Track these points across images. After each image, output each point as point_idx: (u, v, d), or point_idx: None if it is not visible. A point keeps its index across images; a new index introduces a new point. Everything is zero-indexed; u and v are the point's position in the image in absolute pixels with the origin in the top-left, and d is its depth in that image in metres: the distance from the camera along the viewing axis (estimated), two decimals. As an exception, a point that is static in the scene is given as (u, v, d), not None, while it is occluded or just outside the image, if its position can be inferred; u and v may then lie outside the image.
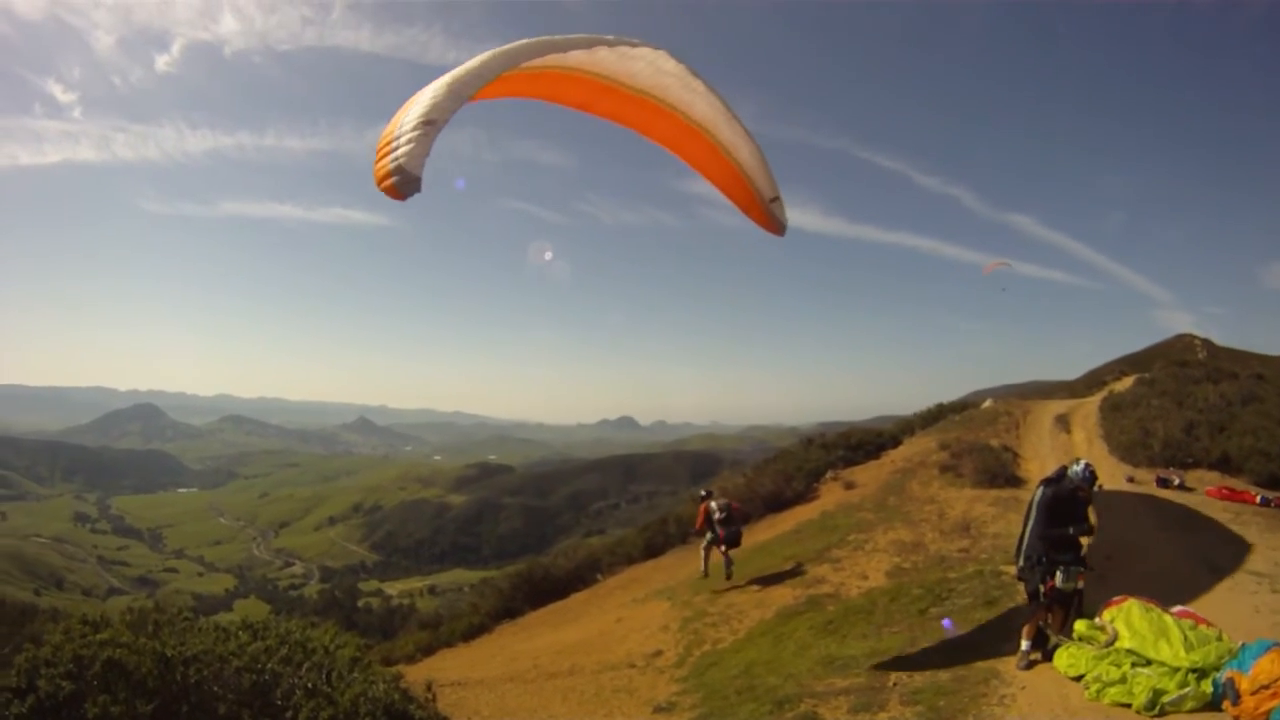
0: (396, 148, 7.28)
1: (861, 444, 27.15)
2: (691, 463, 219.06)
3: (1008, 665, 8.54)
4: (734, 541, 15.86)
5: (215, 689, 6.87)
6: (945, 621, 11.62)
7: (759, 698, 9.10)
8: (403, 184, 7.13)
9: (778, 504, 22.08)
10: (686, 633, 13.19)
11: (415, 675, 11.59)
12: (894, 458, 24.81)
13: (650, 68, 10.07)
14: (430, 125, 7.40)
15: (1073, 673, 7.89)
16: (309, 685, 7.25)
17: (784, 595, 13.79)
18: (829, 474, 24.20)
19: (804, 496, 22.44)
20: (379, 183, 7.27)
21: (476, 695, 11.74)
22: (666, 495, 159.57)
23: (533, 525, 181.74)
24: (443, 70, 8.47)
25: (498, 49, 8.60)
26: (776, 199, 11.58)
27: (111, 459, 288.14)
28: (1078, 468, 8.95)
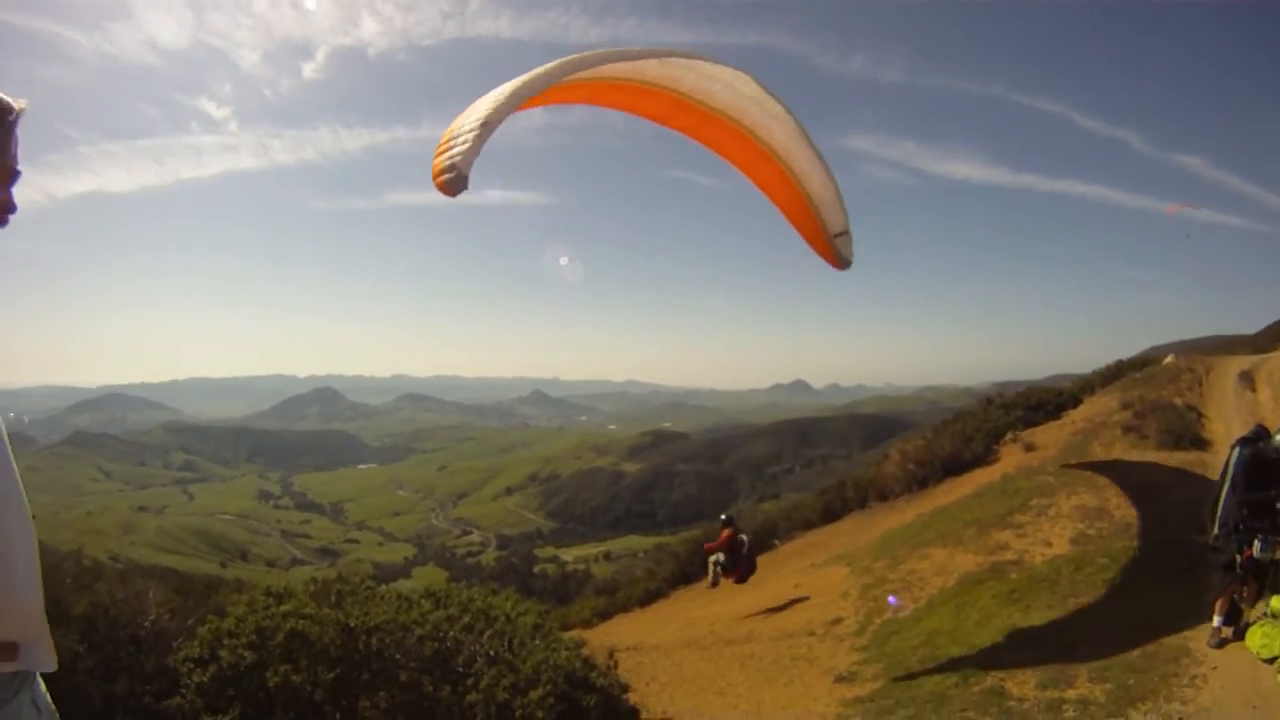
0: (453, 146, 7.81)
1: (1041, 404, 26.05)
2: (866, 425, 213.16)
3: (1198, 642, 8.24)
4: (745, 579, 15.73)
5: (397, 657, 7.15)
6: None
7: (943, 669, 9.09)
8: (454, 182, 7.69)
9: (957, 466, 21.64)
10: (866, 600, 13.00)
11: (593, 640, 12.06)
12: (1074, 418, 23.64)
13: (728, 89, 10.22)
14: (485, 126, 7.88)
15: (1266, 654, 7.48)
16: (490, 653, 7.49)
17: (966, 562, 13.43)
18: (1008, 435, 23.41)
19: (983, 459, 21.81)
20: (434, 178, 7.85)
21: (653, 660, 12.05)
22: (841, 459, 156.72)
23: (707, 491, 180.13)
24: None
25: (566, 57, 9.00)
26: (843, 234, 11.44)
27: (293, 440, 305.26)
28: None
